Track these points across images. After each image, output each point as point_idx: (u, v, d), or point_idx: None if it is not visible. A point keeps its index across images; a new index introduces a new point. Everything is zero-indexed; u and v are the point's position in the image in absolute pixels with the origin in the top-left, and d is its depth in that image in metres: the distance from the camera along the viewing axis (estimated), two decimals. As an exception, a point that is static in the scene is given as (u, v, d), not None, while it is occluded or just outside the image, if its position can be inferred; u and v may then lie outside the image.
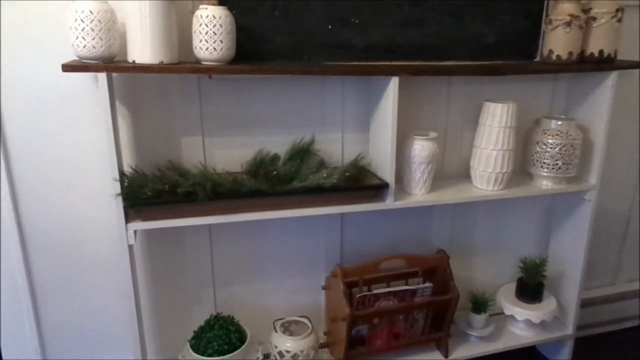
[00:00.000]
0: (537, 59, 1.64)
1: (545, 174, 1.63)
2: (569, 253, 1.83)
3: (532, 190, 1.65)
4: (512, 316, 1.79)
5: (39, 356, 1.53)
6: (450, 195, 1.56)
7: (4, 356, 1.51)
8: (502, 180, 1.58)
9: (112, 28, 1.18)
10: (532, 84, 1.72)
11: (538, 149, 1.64)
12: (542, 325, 1.81)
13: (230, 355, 1.45)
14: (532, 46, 1.64)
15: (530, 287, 1.79)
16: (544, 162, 1.62)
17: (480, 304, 1.75)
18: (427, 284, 1.59)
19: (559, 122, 1.62)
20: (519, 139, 1.64)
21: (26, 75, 1.30)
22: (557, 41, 1.53)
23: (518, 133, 1.59)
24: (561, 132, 1.60)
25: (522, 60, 1.64)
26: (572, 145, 1.60)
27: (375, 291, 1.55)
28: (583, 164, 1.69)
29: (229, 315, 1.54)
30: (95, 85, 1.29)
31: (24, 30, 1.26)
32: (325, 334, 1.70)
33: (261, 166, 1.46)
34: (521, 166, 1.75)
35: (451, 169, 1.73)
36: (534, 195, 1.82)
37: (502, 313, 1.83)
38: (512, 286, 1.86)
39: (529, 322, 1.78)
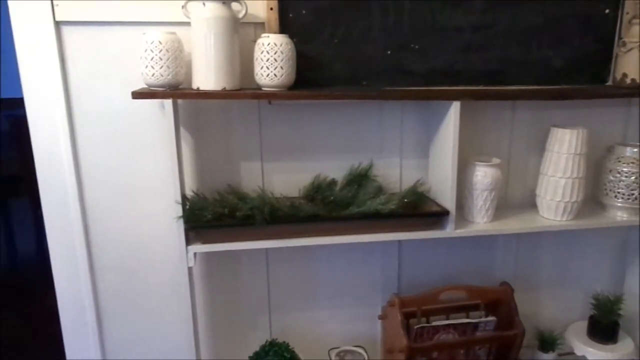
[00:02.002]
0: (609, 83, 1.57)
1: (619, 204, 1.53)
2: (647, 290, 1.69)
3: (605, 221, 1.55)
4: (583, 357, 1.66)
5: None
6: (515, 224, 1.50)
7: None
8: (571, 210, 1.50)
9: (178, 57, 1.23)
10: (603, 110, 1.64)
11: (611, 177, 1.54)
12: (618, 368, 1.67)
13: (285, 382, 1.43)
14: (604, 70, 1.56)
15: (604, 327, 1.66)
16: (618, 192, 1.53)
17: (548, 342, 1.65)
18: (490, 318, 1.52)
19: (635, 150, 1.52)
20: (589, 167, 1.55)
21: (98, 103, 1.37)
22: (632, 64, 1.45)
23: (589, 160, 1.50)
24: (637, 160, 1.50)
25: (592, 85, 1.56)
26: (649, 174, 1.50)
27: (434, 323, 1.49)
28: (662, 194, 1.57)
29: (284, 342, 1.53)
30: (162, 111, 1.35)
31: (96, 60, 1.34)
32: (381, 365, 1.65)
33: (318, 191, 1.46)
34: (592, 195, 1.65)
35: (515, 197, 1.65)
36: (607, 227, 1.71)
37: (572, 353, 1.70)
38: (583, 324, 1.74)
39: (602, 365, 1.65)
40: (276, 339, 1.55)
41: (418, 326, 1.47)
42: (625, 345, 1.66)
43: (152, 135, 1.41)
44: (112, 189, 1.44)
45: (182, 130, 1.40)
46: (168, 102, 1.23)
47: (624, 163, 1.52)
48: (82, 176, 1.41)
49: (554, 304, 1.81)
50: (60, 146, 1.37)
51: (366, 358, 1.52)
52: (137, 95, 1.21)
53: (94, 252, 1.48)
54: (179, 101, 1.35)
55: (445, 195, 1.43)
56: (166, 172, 1.40)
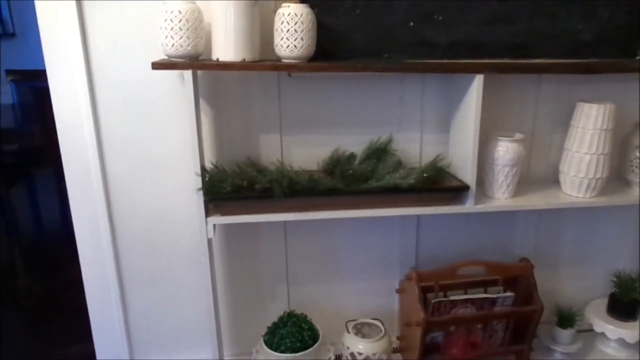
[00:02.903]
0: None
1: (645, 181, 1.50)
2: (671, 269, 1.66)
3: (629, 198, 1.52)
4: (602, 334, 1.66)
5: (124, 342, 1.61)
6: (537, 200, 1.47)
7: (94, 339, 1.61)
8: (595, 187, 1.47)
9: (198, 27, 1.22)
10: (632, 85, 1.59)
11: (638, 154, 1.51)
12: (637, 346, 1.65)
13: (303, 353, 1.45)
14: (635, 44, 1.50)
15: (625, 305, 1.64)
16: (645, 169, 1.49)
17: (566, 319, 1.64)
18: (509, 294, 1.51)
19: (664, 125, 1.48)
20: (615, 143, 1.52)
21: (119, 74, 1.37)
22: (664, 36, 1.40)
23: (615, 136, 1.47)
24: (666, 136, 1.47)
25: (621, 59, 1.51)
26: (678, 151, 1.46)
27: (452, 297, 1.49)
28: (691, 171, 1.53)
29: (302, 314, 1.55)
30: (181, 83, 1.35)
31: (116, 31, 1.34)
32: (398, 338, 1.66)
33: (337, 165, 1.45)
34: (617, 172, 1.61)
35: (538, 173, 1.63)
36: (631, 205, 1.68)
37: (591, 330, 1.69)
38: (603, 302, 1.72)
39: (622, 342, 1.64)
40: (294, 310, 1.57)
41: (435, 300, 1.47)
42: (645, 323, 1.65)
43: (172, 106, 1.41)
44: (133, 160, 1.45)
45: (201, 101, 1.40)
46: (188, 73, 1.23)
47: (651, 139, 1.48)
48: (103, 147, 1.43)
49: (574, 281, 1.79)
50: (82, 117, 1.38)
51: (383, 331, 1.54)
52: (157, 66, 1.21)
53: (116, 222, 1.50)
54: (199, 72, 1.34)
55: (465, 170, 1.41)
56: (186, 143, 1.41)
